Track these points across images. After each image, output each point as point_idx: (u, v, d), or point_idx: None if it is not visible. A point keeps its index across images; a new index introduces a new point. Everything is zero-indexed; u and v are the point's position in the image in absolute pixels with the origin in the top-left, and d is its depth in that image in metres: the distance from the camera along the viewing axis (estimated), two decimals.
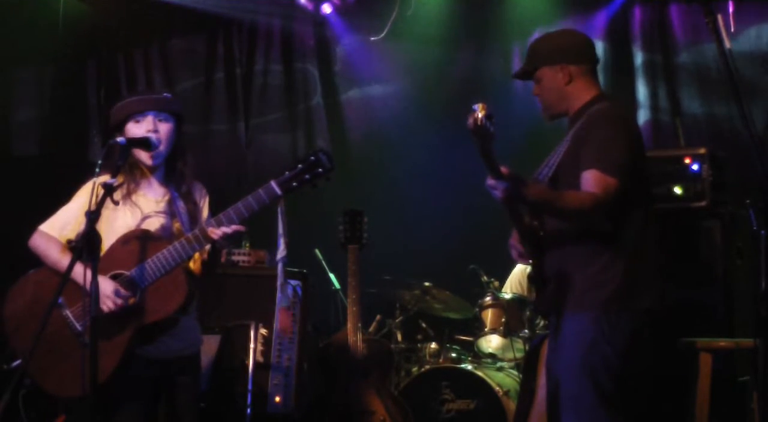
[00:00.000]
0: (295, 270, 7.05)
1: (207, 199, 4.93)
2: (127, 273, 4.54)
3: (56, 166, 8.77)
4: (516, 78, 4.90)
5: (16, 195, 8.07)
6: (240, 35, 9.94)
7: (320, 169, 4.45)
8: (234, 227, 4.47)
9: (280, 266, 4.65)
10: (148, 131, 4.67)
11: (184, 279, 4.57)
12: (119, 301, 4.46)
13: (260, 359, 6.65)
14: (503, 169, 3.99)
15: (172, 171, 4.83)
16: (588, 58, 4.66)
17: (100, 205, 4.27)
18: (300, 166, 4.44)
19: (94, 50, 9.78)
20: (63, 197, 4.91)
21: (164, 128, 4.72)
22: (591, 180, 4.24)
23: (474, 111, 3.76)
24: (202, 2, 9.57)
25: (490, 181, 4.03)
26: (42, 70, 9.35)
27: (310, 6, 9.57)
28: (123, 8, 9.36)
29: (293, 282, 6.98)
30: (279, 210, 4.53)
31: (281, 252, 4.60)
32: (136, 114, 4.72)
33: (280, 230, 4.57)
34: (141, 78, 9.94)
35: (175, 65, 9.98)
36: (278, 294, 4.73)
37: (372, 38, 9.52)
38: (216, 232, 4.47)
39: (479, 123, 3.76)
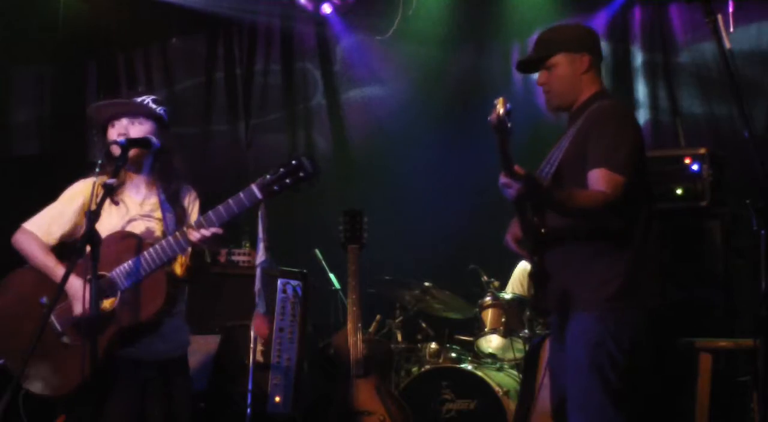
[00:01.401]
0: (295, 270, 7.05)
1: (197, 203, 4.90)
2: (107, 274, 4.53)
3: (56, 165, 8.77)
4: (522, 67, 4.86)
5: (15, 194, 8.07)
6: (240, 35, 9.96)
7: (302, 174, 4.38)
8: (212, 230, 4.44)
9: (258, 271, 4.60)
10: (120, 135, 4.67)
11: (165, 283, 4.55)
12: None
13: (260, 359, 6.64)
14: (517, 168, 3.99)
15: (157, 171, 4.82)
16: (599, 51, 4.72)
17: (100, 205, 4.27)
18: (282, 170, 4.39)
19: (93, 50, 9.78)
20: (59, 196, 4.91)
21: (138, 130, 4.72)
22: (600, 178, 4.26)
23: (495, 106, 3.77)
24: (202, 2, 9.57)
25: (504, 179, 4.02)
26: (42, 69, 9.35)
27: (310, 6, 9.57)
28: (123, 8, 9.36)
29: (293, 282, 6.97)
30: (259, 214, 4.49)
31: (260, 256, 4.57)
32: (112, 118, 4.75)
33: (260, 234, 4.54)
34: (141, 78, 9.96)
35: (175, 65, 10.00)
36: (256, 300, 4.68)
37: (378, 38, 9.51)
38: (194, 235, 4.45)
39: (501, 118, 3.76)
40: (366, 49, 9.70)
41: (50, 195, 4.99)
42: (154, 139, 4.65)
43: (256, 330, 5.14)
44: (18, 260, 4.87)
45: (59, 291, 4.25)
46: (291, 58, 9.89)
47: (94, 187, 4.38)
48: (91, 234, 4.17)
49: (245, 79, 9.91)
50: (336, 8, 9.60)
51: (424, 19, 9.40)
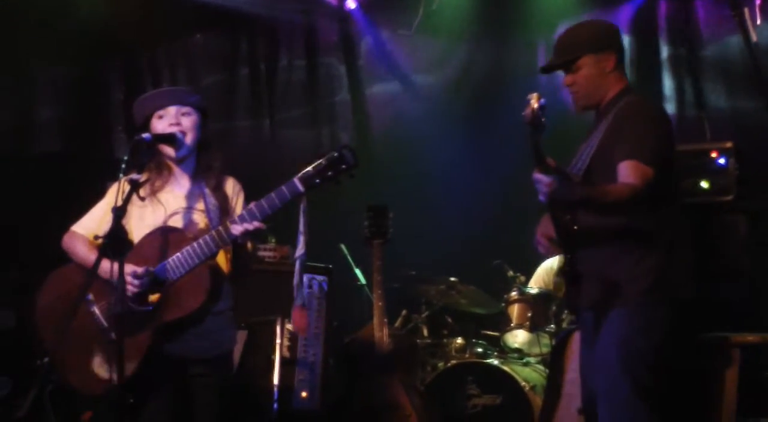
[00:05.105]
0: (321, 265, 7.05)
1: (242, 194, 4.90)
2: (151, 269, 4.53)
3: (80, 162, 8.81)
4: (549, 70, 4.86)
5: (39, 192, 8.11)
6: (263, 31, 9.96)
7: (344, 166, 4.40)
8: (255, 224, 4.44)
9: (297, 264, 4.59)
10: (171, 125, 4.67)
11: (208, 278, 4.54)
12: (136, 282, 4.43)
13: (286, 354, 6.64)
14: (550, 161, 3.98)
15: (200, 165, 4.82)
16: (621, 47, 4.72)
17: (126, 200, 4.29)
18: (323, 162, 4.40)
19: (117, 47, 9.81)
20: (86, 194, 4.92)
21: (188, 121, 4.72)
22: (629, 170, 4.25)
23: (529, 101, 3.77)
24: None
25: (537, 175, 4.01)
26: (66, 67, 9.38)
27: (334, 1, 9.56)
28: (145, 6, 9.37)
29: (318, 277, 6.98)
30: (301, 207, 4.49)
31: (300, 249, 4.55)
32: (158, 109, 4.73)
33: (301, 227, 4.53)
34: (165, 75, 9.99)
35: (198, 62, 10.03)
36: (294, 293, 4.67)
37: (402, 33, 9.50)
38: (237, 228, 4.45)
39: (535, 113, 3.76)
40: (390, 45, 9.70)
41: (73, 192, 5.01)
42: (179, 135, 4.66)
43: (294, 324, 5.13)
44: (40, 254, 4.90)
45: (87, 285, 4.26)
46: (315, 53, 9.89)
47: (120, 184, 4.39)
48: (118, 230, 4.19)
49: (269, 75, 9.92)
50: (360, 3, 9.58)
51: (448, 14, 9.39)
